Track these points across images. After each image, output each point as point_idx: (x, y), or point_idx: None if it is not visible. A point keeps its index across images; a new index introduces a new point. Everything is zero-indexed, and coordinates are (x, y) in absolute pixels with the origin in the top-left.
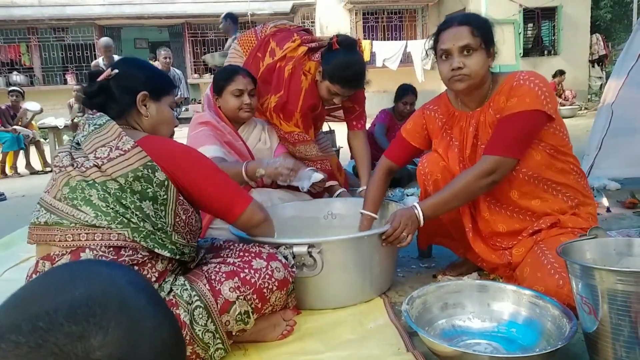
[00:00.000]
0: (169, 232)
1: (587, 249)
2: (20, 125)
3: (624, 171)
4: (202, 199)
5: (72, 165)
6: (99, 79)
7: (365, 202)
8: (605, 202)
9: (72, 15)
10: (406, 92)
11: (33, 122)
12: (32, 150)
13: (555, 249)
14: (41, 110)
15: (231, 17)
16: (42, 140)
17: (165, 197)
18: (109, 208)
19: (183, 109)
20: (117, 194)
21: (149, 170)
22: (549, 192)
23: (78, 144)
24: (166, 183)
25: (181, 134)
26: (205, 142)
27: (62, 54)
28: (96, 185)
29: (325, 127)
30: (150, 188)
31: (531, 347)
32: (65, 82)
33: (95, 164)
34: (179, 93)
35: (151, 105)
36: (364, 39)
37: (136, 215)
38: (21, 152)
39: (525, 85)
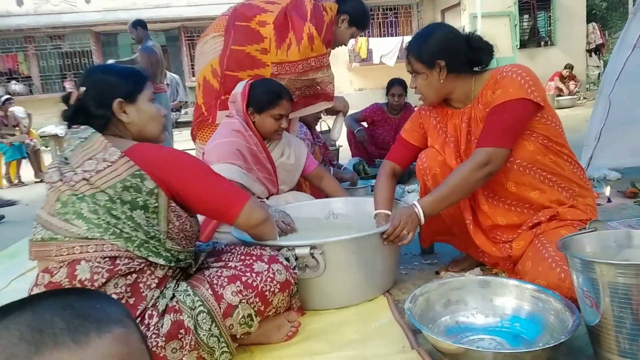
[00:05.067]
0: (162, 239)
1: (587, 242)
2: (19, 132)
3: (623, 161)
4: (195, 202)
5: (61, 180)
6: (71, 102)
7: (376, 203)
8: (606, 191)
9: (68, 23)
10: (392, 85)
11: (33, 130)
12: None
13: (555, 242)
14: (29, 115)
15: (140, 24)
16: (42, 148)
17: (156, 204)
18: (100, 220)
19: (183, 112)
20: (107, 205)
21: (138, 179)
22: (545, 183)
23: (66, 158)
24: (156, 191)
25: (181, 137)
26: (227, 158)
27: (59, 61)
28: (86, 198)
29: (324, 126)
30: (140, 197)
31: (535, 341)
32: (64, 90)
33: (84, 177)
34: (177, 97)
35: (130, 109)
36: (361, 36)
37: (128, 225)
38: (25, 160)
39: (508, 76)
